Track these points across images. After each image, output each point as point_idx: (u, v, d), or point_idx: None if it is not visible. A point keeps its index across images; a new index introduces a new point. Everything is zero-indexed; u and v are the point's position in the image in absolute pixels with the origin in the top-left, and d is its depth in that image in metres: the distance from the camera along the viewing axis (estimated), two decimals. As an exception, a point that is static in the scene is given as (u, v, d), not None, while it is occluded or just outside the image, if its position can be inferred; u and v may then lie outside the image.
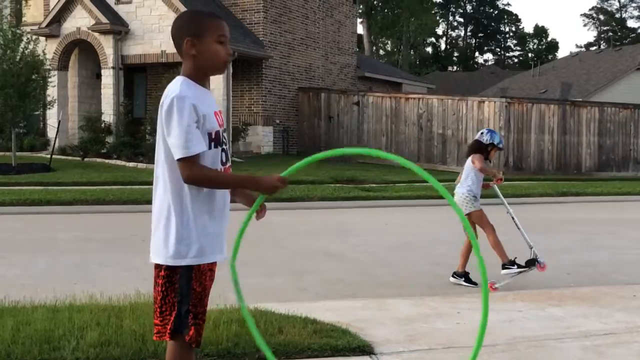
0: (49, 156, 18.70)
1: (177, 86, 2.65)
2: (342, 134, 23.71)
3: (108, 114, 21.07)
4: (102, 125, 20.88)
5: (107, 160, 19.41)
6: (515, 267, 6.42)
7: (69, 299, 4.92)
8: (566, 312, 5.10)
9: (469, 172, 6.63)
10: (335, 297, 5.72)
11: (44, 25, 21.61)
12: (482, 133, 6.78)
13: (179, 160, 2.59)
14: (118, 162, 19.12)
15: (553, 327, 4.71)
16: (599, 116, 22.28)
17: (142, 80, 23.46)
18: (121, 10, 21.36)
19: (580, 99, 30.14)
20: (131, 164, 18.69)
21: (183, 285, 2.68)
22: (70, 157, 19.98)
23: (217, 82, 19.81)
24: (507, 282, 6.33)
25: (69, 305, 4.64)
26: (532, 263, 6.39)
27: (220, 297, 4.70)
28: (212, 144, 2.67)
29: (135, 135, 20.34)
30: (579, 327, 4.71)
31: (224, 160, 2.74)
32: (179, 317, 2.69)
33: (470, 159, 6.61)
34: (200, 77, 2.73)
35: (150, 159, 18.45)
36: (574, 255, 8.14)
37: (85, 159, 19.59)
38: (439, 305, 5.30)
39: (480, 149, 6.61)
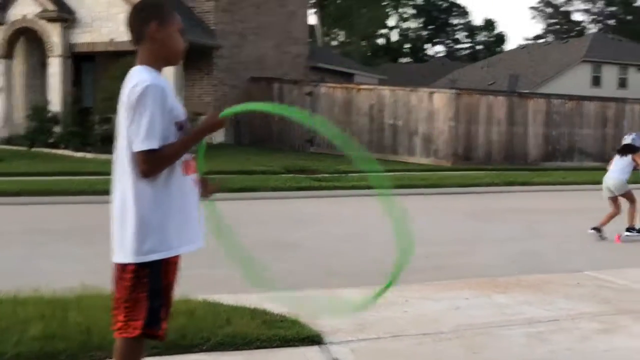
0: (-7, 146, 18.27)
1: (144, 75, 2.62)
2: (294, 124, 23.67)
3: (55, 104, 20.63)
4: (49, 114, 20.43)
5: (54, 151, 19.03)
6: (635, 232, 8.60)
7: (13, 292, 4.82)
8: (511, 300, 5.21)
9: (624, 165, 8.81)
10: (285, 287, 5.72)
11: (-13, 12, 21.04)
12: (633, 138, 9.00)
13: (138, 152, 2.57)
14: (66, 152, 18.76)
15: (498, 314, 4.80)
16: (546, 108, 22.72)
17: (90, 69, 23.00)
18: (68, -3, 20.91)
19: (528, 91, 30.69)
20: (79, 154, 18.36)
21: (153, 281, 2.65)
22: (16, 147, 19.50)
23: (168, 72, 19.53)
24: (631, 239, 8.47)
25: (12, 298, 4.54)
26: None
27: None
28: (179, 133, 2.67)
29: (84, 125, 19.97)
30: (523, 314, 4.81)
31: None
32: (153, 313, 2.66)
33: (631, 156, 8.77)
34: (159, 67, 2.72)
35: (99, 149, 18.18)
36: (519, 244, 8.31)
37: (32, 149, 19.16)
38: (389, 294, 5.34)
39: (633, 149, 8.83)
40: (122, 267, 2.68)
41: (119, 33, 20.17)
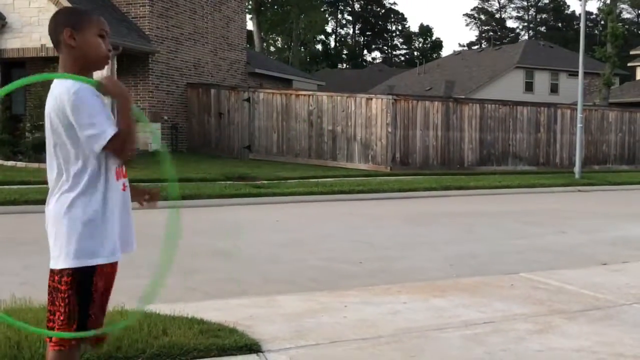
0: None
1: (69, 82, 2.56)
2: (233, 131, 23.55)
3: (-16, 111, 20.01)
4: (-22, 122, 19.81)
5: (-17, 159, 18.42)
6: None
7: (-62, 307, 4.63)
8: (448, 303, 5.27)
9: None
10: (224, 295, 5.66)
11: None
12: None
13: (104, 149, 2.53)
14: (-5, 160, 18.19)
15: (436, 317, 4.85)
16: (480, 113, 23.19)
17: (20, 75, 22.31)
18: (-3, 1, 20.33)
19: (463, 97, 31.30)
20: (9, 163, 17.83)
21: (86, 287, 2.61)
22: (-58, 156, 18.82)
23: (101, 77, 19.18)
24: None
25: (-63, 314, 4.35)
26: None
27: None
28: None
29: (14, 133, 19.43)
30: (460, 316, 4.87)
31: None
32: (86, 321, 2.61)
33: None
34: (83, 73, 2.65)
35: (30, 158, 17.69)
36: (456, 247, 8.43)
37: (-41, 158, 18.51)
38: (327, 300, 5.35)
39: None
40: (55, 274, 2.64)
41: (49, 39, 19.70)
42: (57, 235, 2.63)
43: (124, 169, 2.75)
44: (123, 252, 2.73)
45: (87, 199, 2.60)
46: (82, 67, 2.68)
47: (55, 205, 2.65)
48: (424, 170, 21.00)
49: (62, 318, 2.63)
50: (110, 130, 2.53)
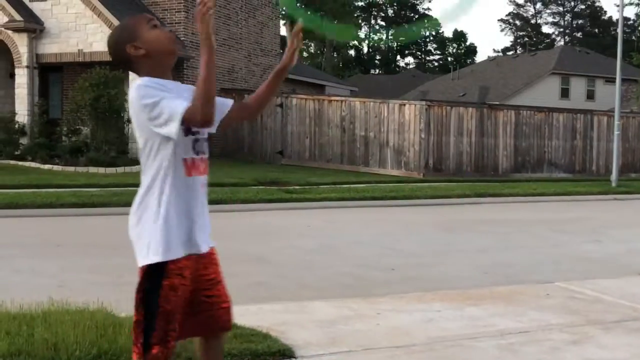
0: (-42, 158, 17.96)
1: (137, 81, 2.61)
2: (265, 136, 23.65)
3: (22, 115, 20.37)
4: (16, 126, 20.17)
5: (20, 163, 18.75)
6: None
7: (-23, 308, 4.71)
8: (483, 312, 5.22)
9: None
10: (256, 300, 5.67)
11: (-47, 21, 20.72)
12: None
13: (188, 122, 2.52)
14: (32, 164, 18.50)
15: (470, 326, 4.80)
16: (515, 119, 22.96)
17: (58, 79, 22.77)
18: (36, 7, 20.69)
19: (497, 103, 31.05)
20: (46, 166, 18.12)
21: (158, 288, 2.57)
22: (-18, 160, 19.21)
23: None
24: None
25: (-24, 315, 4.44)
26: None
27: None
28: (184, 132, 2.62)
29: (51, 137, 19.75)
30: (495, 326, 4.82)
31: (196, 149, 2.71)
32: (148, 331, 2.57)
33: None
34: (160, 72, 2.68)
35: (66, 161, 17.97)
36: (490, 255, 8.35)
37: (-2, 161, 18.88)
38: (360, 306, 5.33)
39: None
40: (139, 272, 2.63)
41: (87, 44, 20.02)
42: (136, 232, 2.65)
43: (200, 164, 2.73)
44: (194, 251, 2.67)
45: (154, 197, 2.61)
46: (160, 64, 2.70)
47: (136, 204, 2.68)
48: (458, 177, 20.85)
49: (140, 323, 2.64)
50: (181, 106, 2.52)
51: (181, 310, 2.63)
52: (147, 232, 2.59)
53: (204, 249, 2.71)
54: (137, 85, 2.58)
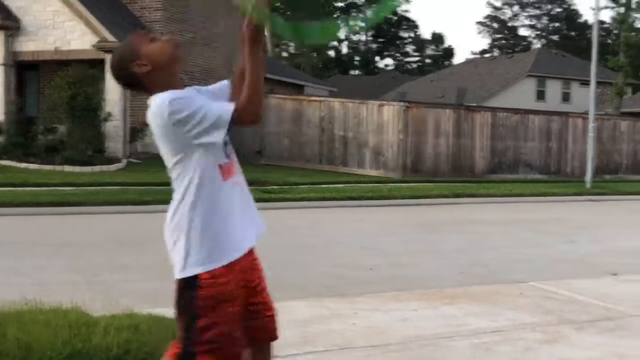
0: None
1: (160, 97, 2.49)
2: (244, 135, 23.57)
3: (-2, 113, 20.13)
4: (-9, 124, 19.93)
5: (-4, 161, 18.53)
6: None
7: (-51, 307, 4.65)
8: (458, 311, 5.26)
9: None
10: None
11: None
12: None
13: (236, 123, 2.45)
14: (8, 162, 18.28)
15: (445, 325, 4.84)
16: (492, 121, 23.12)
17: (34, 77, 22.51)
18: (13, 5, 20.42)
19: (475, 104, 31.25)
20: (22, 165, 17.91)
21: (197, 298, 2.50)
22: (-45, 158, 18.94)
23: (114, 81, 19.27)
24: None
25: (-52, 314, 4.38)
26: None
27: (112, 302, 4.58)
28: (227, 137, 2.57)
29: (27, 135, 19.53)
30: (470, 325, 4.86)
31: (227, 152, 2.59)
32: (187, 343, 2.50)
33: None
34: (172, 83, 2.60)
35: (43, 160, 17.79)
36: (467, 255, 8.40)
37: (-28, 160, 18.62)
38: (337, 306, 5.35)
39: None
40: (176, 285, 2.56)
41: (64, 41, 19.83)
42: (172, 243, 2.59)
43: (233, 166, 2.63)
44: (236, 253, 2.58)
45: (188, 206, 2.52)
46: (169, 75, 2.62)
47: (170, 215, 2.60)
48: (435, 178, 20.95)
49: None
50: (227, 107, 2.47)
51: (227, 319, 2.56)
52: (186, 244, 2.51)
53: (251, 243, 2.64)
54: (160, 104, 2.46)
